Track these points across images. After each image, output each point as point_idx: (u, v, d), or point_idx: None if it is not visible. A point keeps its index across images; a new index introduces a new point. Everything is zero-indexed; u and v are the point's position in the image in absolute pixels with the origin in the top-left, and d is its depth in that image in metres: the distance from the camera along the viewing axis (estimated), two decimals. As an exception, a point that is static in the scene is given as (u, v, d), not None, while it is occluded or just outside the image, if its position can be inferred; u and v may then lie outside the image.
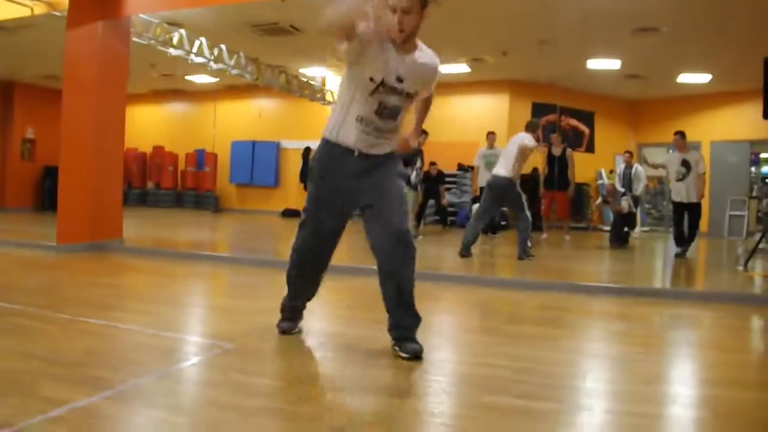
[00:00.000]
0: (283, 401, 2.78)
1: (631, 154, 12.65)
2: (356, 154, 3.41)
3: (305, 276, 3.75)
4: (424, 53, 3.45)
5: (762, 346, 4.62)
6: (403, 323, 3.44)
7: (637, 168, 12.33)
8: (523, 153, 8.14)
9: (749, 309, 5.53)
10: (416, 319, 3.48)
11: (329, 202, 3.53)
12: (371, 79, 3.30)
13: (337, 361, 3.49)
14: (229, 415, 2.51)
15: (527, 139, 8.18)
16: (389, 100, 3.36)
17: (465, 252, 8.18)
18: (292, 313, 3.89)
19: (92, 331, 3.85)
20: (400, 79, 3.33)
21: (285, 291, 3.83)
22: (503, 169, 8.14)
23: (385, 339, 3.50)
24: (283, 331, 3.84)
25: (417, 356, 3.34)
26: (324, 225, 3.56)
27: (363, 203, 3.48)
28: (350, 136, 3.40)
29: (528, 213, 8.24)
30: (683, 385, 3.36)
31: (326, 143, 3.50)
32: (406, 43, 3.32)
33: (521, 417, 2.64)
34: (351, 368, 3.29)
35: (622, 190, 11.87)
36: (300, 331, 3.90)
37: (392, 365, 3.25)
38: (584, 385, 3.20)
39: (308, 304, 3.92)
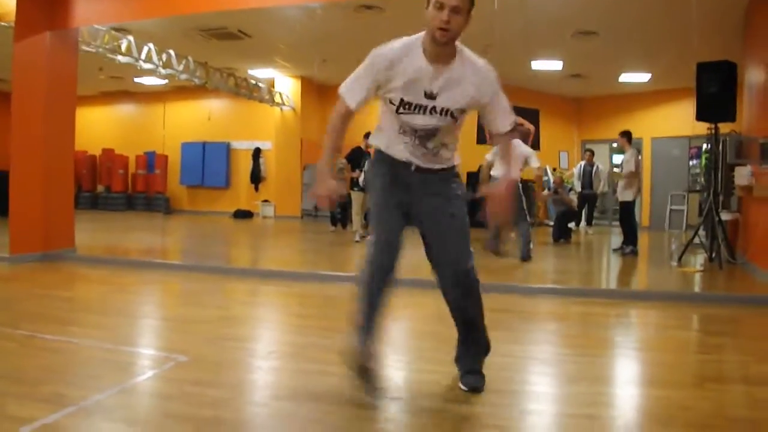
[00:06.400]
0: (235, 411, 2.98)
1: (592, 152, 12.98)
2: (413, 168, 3.06)
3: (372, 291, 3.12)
4: (467, 62, 2.94)
5: (692, 345, 4.79)
6: (468, 354, 3.35)
7: (599, 166, 12.72)
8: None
9: (681, 307, 5.84)
10: (482, 351, 3.38)
11: (390, 202, 3.09)
12: (390, 102, 2.98)
13: (286, 370, 3.69)
14: (185, 427, 2.72)
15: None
16: (415, 121, 2.97)
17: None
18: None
19: (51, 347, 3.99)
20: (430, 95, 2.91)
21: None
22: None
23: (333, 347, 3.47)
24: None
25: (475, 390, 3.20)
26: (390, 225, 3.09)
27: (416, 220, 3.14)
28: (401, 153, 3.05)
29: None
30: (611, 386, 3.60)
31: (380, 153, 3.15)
32: (445, 46, 2.87)
33: (450, 420, 2.89)
34: (299, 377, 3.49)
35: (580, 189, 12.36)
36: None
37: (338, 374, 3.36)
38: (518, 388, 3.42)
39: (257, 312, 3.91)
